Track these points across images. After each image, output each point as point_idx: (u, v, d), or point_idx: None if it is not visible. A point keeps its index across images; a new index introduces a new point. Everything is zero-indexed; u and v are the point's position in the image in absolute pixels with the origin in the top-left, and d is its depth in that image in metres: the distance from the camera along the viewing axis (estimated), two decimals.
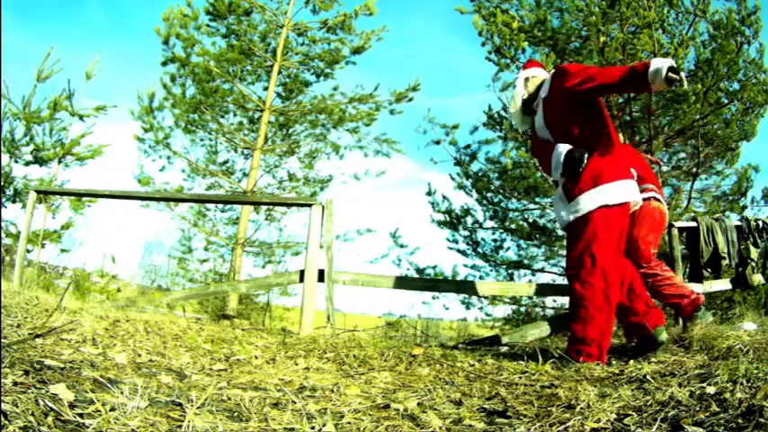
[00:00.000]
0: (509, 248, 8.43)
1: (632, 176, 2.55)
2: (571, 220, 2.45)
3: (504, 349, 3.03)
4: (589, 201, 2.39)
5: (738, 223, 4.49)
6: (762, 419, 1.10)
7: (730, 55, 6.20)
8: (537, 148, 2.78)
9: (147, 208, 9.51)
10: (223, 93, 9.48)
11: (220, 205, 10.16)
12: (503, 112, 7.42)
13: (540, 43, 7.07)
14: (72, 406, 1.10)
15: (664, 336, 2.34)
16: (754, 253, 4.36)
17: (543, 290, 4.83)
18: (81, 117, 6.57)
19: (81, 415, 1.07)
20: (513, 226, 8.08)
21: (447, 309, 8.36)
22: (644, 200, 3.07)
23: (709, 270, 4.30)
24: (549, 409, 1.43)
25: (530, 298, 7.76)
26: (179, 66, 9.10)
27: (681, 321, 3.20)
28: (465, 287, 5.36)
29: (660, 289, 3.11)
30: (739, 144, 7.24)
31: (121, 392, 1.26)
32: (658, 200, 3.23)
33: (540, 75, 2.78)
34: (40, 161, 6.47)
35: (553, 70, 2.65)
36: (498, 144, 8.09)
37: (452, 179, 8.39)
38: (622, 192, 2.42)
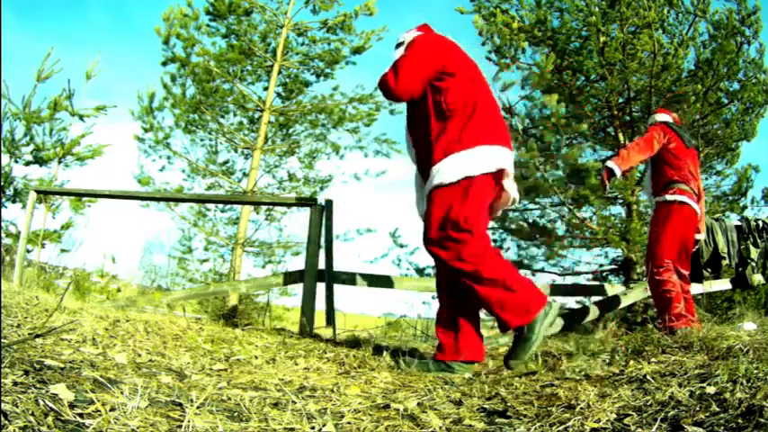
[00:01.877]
0: (509, 248, 8.43)
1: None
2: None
3: (503, 349, 3.03)
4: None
5: (738, 223, 4.49)
6: (762, 419, 1.10)
7: (730, 55, 6.21)
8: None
9: (147, 208, 9.52)
10: (223, 93, 9.48)
11: (220, 205, 10.16)
12: (503, 113, 7.41)
13: (540, 43, 7.07)
14: (72, 406, 1.10)
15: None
16: (754, 253, 4.36)
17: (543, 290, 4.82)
18: (81, 117, 6.57)
19: (81, 415, 1.07)
20: (513, 226, 8.08)
21: None
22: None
23: (709, 270, 4.30)
24: (549, 409, 1.43)
25: None
26: (179, 66, 9.10)
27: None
28: None
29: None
30: (739, 144, 7.25)
31: (121, 392, 1.26)
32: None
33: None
34: (40, 161, 6.48)
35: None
36: None
37: None
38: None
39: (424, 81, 2.20)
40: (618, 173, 3.15)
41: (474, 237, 2.08)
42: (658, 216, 3.21)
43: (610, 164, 3.17)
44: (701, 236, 3.48)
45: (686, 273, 3.29)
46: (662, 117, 3.46)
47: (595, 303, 4.34)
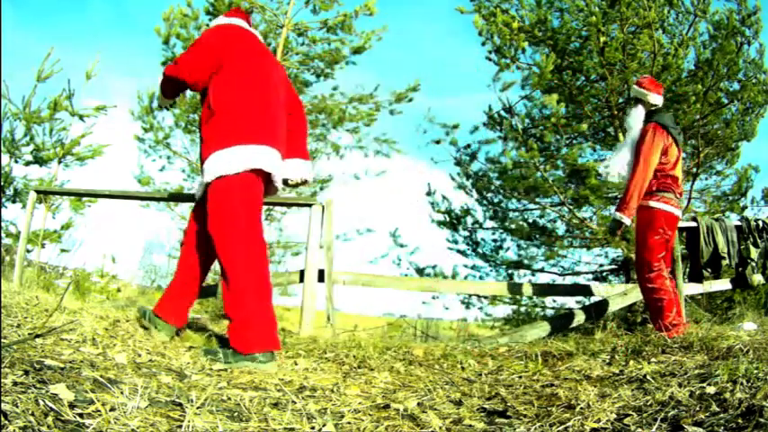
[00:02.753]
0: (509, 248, 8.43)
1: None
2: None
3: (503, 349, 3.03)
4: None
5: (738, 223, 4.49)
6: (762, 419, 1.10)
7: (730, 55, 6.20)
8: None
9: (147, 208, 9.50)
10: None
11: None
12: (503, 113, 7.42)
13: (540, 43, 7.07)
14: (72, 406, 1.10)
15: None
16: (754, 253, 4.36)
17: (543, 290, 4.84)
18: (81, 117, 6.57)
19: (81, 415, 1.07)
20: (513, 226, 8.07)
21: (447, 309, 8.35)
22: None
23: (709, 270, 4.31)
24: (549, 409, 1.43)
25: (529, 298, 7.75)
26: None
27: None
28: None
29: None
30: (739, 144, 7.24)
31: (121, 392, 1.26)
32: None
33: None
34: (40, 161, 6.47)
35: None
36: (498, 144, 8.08)
37: (452, 179, 8.39)
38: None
39: (202, 71, 2.23)
40: (628, 222, 3.14)
41: (234, 236, 2.13)
42: (644, 221, 3.20)
43: (618, 217, 3.13)
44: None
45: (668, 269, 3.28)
46: (652, 97, 3.23)
47: (583, 308, 4.33)
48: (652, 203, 3.13)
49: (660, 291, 3.05)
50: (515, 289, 4.94)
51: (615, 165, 3.24)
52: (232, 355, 2.05)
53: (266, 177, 2.28)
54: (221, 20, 2.50)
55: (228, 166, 2.14)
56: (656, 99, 3.26)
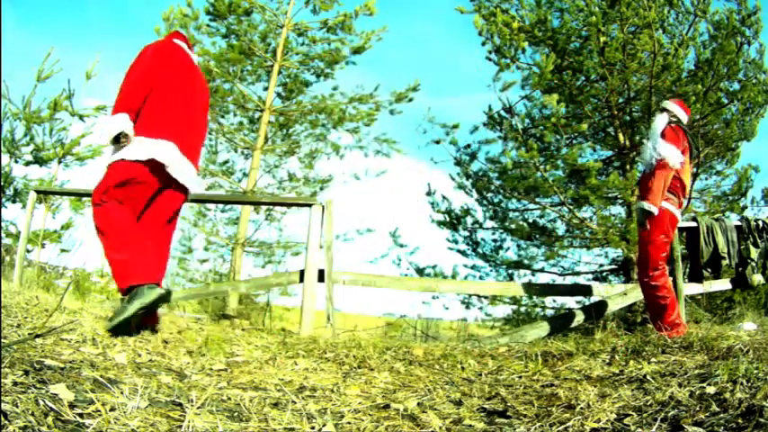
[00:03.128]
0: (509, 248, 8.43)
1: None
2: None
3: (503, 349, 3.03)
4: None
5: (738, 223, 4.49)
6: (762, 419, 1.10)
7: (730, 55, 6.20)
8: None
9: None
10: (223, 93, 9.48)
11: (220, 205, 10.15)
12: (503, 113, 7.42)
13: (540, 43, 7.07)
14: (72, 406, 1.10)
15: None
16: (754, 253, 4.36)
17: (543, 290, 4.83)
18: (81, 117, 6.58)
19: (81, 415, 1.07)
20: (513, 226, 8.08)
21: (447, 309, 8.35)
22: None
23: (709, 270, 4.31)
24: (549, 409, 1.43)
25: (529, 298, 7.76)
26: None
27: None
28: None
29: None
30: (739, 144, 7.24)
31: (121, 392, 1.26)
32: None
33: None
34: (40, 161, 6.48)
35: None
36: (498, 144, 8.09)
37: (452, 179, 8.39)
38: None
39: (136, 97, 2.47)
40: (656, 212, 3.10)
41: (103, 204, 2.38)
42: (651, 219, 3.21)
43: (646, 206, 3.10)
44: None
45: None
46: (677, 111, 3.32)
47: (583, 309, 4.34)
48: (662, 202, 3.15)
49: (664, 289, 3.06)
50: (515, 289, 4.94)
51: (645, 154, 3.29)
52: (124, 303, 2.23)
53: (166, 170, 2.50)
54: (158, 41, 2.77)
55: (127, 153, 2.41)
56: (683, 116, 3.37)
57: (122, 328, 2.16)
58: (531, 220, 8.13)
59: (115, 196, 2.38)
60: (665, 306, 3.02)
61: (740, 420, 1.13)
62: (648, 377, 1.71)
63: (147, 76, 2.49)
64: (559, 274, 8.12)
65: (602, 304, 4.21)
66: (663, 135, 3.18)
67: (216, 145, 10.16)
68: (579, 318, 4.15)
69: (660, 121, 3.29)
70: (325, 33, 10.30)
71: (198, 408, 1.26)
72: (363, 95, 10.14)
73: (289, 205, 7.87)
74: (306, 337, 3.13)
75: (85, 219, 6.46)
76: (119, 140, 2.41)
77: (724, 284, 4.61)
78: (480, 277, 8.29)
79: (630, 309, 5.75)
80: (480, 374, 2.16)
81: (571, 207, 7.07)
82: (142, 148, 2.42)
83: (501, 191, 7.98)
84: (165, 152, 2.47)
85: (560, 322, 4.18)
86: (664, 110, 3.36)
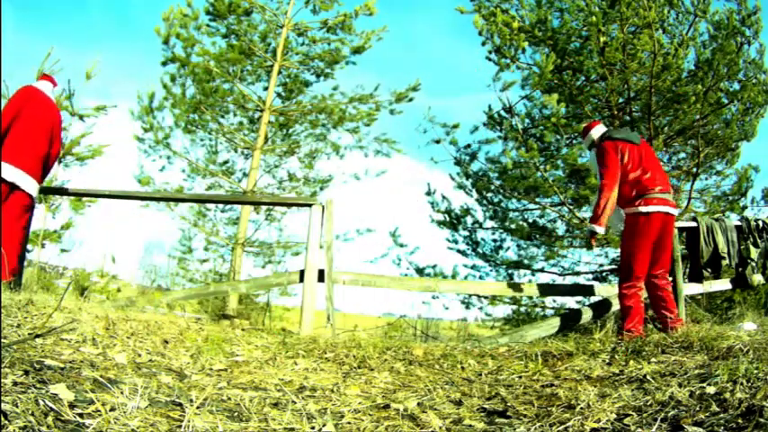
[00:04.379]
0: (509, 248, 8.43)
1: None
2: None
3: (503, 349, 3.03)
4: None
5: (738, 223, 4.49)
6: (762, 419, 1.10)
7: (730, 55, 6.20)
8: None
9: (147, 208, 9.50)
10: (223, 93, 9.48)
11: (220, 205, 10.15)
12: (503, 113, 7.42)
13: (540, 43, 7.07)
14: (72, 406, 1.10)
15: None
16: (754, 253, 4.36)
17: (543, 290, 4.83)
18: (81, 117, 6.57)
19: (81, 415, 1.07)
20: (513, 226, 8.08)
21: (447, 309, 8.35)
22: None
23: (709, 270, 4.30)
24: (549, 409, 1.43)
25: (530, 298, 7.75)
26: (179, 66, 9.10)
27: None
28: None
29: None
30: (739, 144, 7.24)
31: (121, 392, 1.26)
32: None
33: None
34: None
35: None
36: (498, 144, 8.10)
37: (452, 179, 8.39)
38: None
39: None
40: (602, 231, 3.26)
41: None
42: (631, 228, 3.21)
43: (592, 227, 3.26)
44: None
45: (665, 271, 3.30)
46: (598, 132, 3.50)
47: (590, 306, 4.34)
48: (641, 209, 3.17)
49: (631, 298, 3.20)
50: (515, 289, 4.94)
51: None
52: None
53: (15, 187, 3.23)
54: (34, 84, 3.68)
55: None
56: (597, 132, 3.54)
57: None
58: (531, 220, 8.13)
59: None
60: (628, 314, 3.16)
61: (740, 420, 1.13)
62: (648, 377, 1.71)
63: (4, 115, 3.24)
64: (559, 274, 8.12)
65: (602, 304, 4.21)
66: (600, 161, 3.30)
67: (216, 145, 10.16)
68: (587, 315, 4.14)
69: (592, 157, 3.49)
70: (325, 33, 10.31)
71: (198, 408, 1.26)
72: (363, 95, 10.14)
73: (289, 205, 7.87)
74: (306, 337, 3.13)
75: (85, 219, 6.47)
76: None
77: (724, 284, 4.61)
78: (480, 277, 8.30)
79: None
80: (480, 374, 2.16)
81: (571, 207, 7.08)
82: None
83: (501, 191, 7.98)
84: (12, 174, 3.20)
85: (566, 322, 4.17)
86: (590, 147, 3.56)
